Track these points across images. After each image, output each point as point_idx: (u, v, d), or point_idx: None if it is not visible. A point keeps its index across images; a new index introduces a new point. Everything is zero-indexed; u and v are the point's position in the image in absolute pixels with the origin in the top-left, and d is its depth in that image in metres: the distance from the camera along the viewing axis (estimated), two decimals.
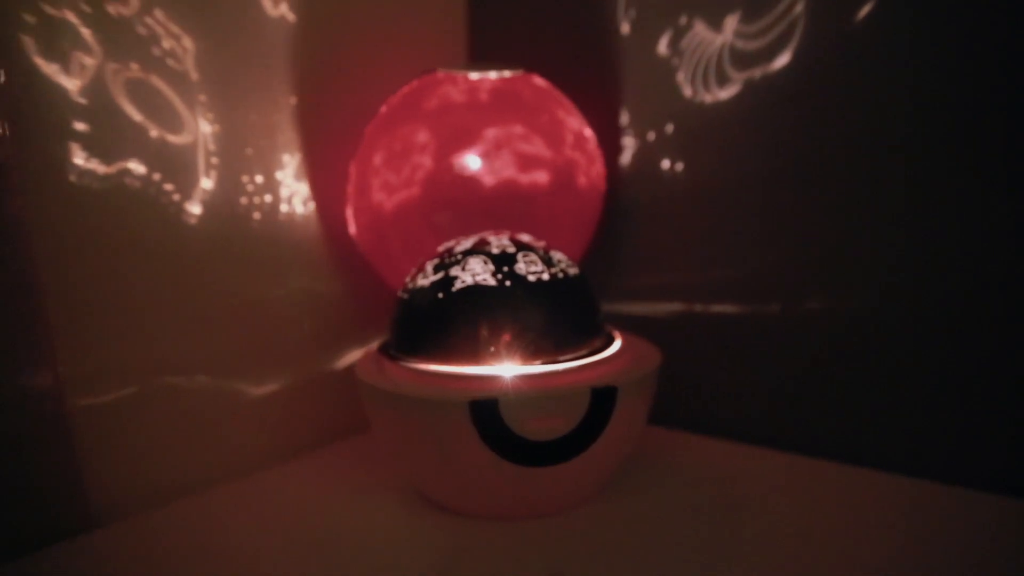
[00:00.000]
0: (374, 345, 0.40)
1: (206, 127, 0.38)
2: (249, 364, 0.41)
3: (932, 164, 0.37)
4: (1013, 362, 0.35)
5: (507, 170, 0.47)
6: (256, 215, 0.41)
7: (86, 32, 0.32)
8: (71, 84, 0.31)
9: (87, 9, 0.31)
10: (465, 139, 0.46)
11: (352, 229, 0.44)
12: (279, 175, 0.42)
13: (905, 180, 0.38)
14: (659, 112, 0.46)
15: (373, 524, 0.34)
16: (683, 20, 0.44)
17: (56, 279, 0.31)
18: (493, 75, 0.42)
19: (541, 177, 0.48)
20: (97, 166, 0.33)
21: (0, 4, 0.28)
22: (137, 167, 0.34)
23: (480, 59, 0.56)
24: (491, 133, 0.47)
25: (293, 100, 0.42)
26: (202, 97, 0.38)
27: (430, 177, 0.42)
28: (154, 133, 0.36)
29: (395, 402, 0.30)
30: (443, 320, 0.32)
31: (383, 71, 0.47)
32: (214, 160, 0.38)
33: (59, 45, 0.31)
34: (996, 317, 0.35)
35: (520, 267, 0.32)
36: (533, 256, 0.33)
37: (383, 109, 0.44)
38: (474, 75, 0.42)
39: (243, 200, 0.40)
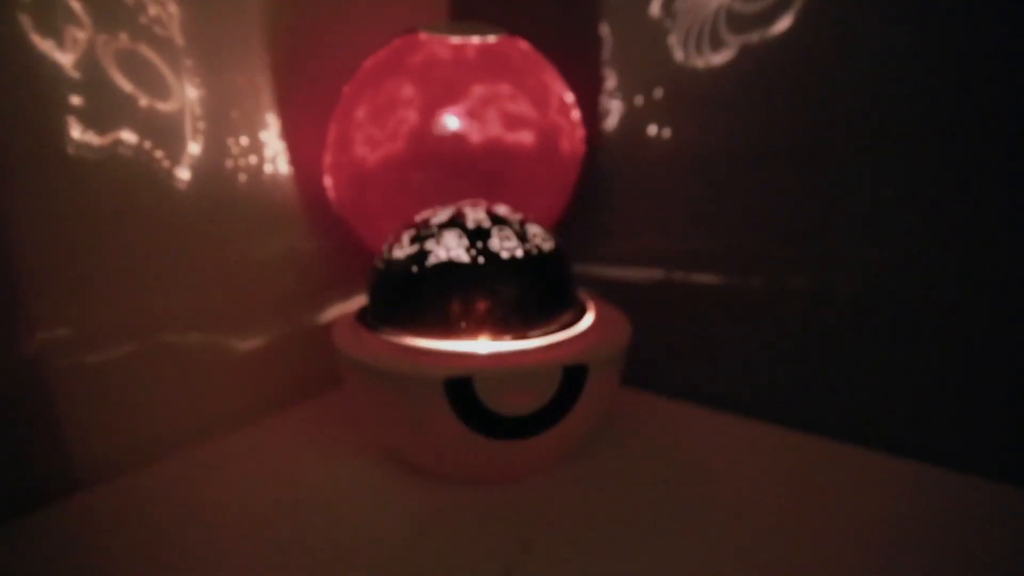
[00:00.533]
0: (352, 309, 0.44)
1: (192, 93, 0.43)
2: (236, 320, 0.46)
3: (934, 146, 0.38)
4: (993, 346, 0.38)
5: (492, 128, 0.51)
6: (242, 177, 0.45)
7: (76, 5, 0.35)
8: (65, 59, 0.35)
9: None
10: (451, 95, 0.50)
11: (330, 188, 0.47)
12: (263, 136, 0.45)
13: (905, 162, 0.39)
14: (648, 76, 0.48)
15: (348, 484, 0.39)
16: None
17: (53, 246, 0.35)
18: (476, 39, 0.44)
19: (526, 138, 0.52)
20: (92, 138, 0.36)
21: None
22: (129, 136, 0.38)
23: (461, 18, 0.58)
24: (478, 90, 0.51)
25: (275, 61, 0.45)
26: (188, 62, 0.42)
27: (415, 132, 0.45)
28: (143, 102, 0.39)
29: (371, 375, 0.34)
30: (417, 294, 0.36)
31: (363, 30, 0.50)
32: (201, 125, 0.42)
33: (53, 21, 0.34)
34: (986, 303, 0.38)
35: (494, 243, 0.36)
36: (508, 231, 0.37)
37: (365, 65, 0.46)
38: (456, 39, 0.44)
39: (229, 163, 0.44)
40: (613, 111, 0.52)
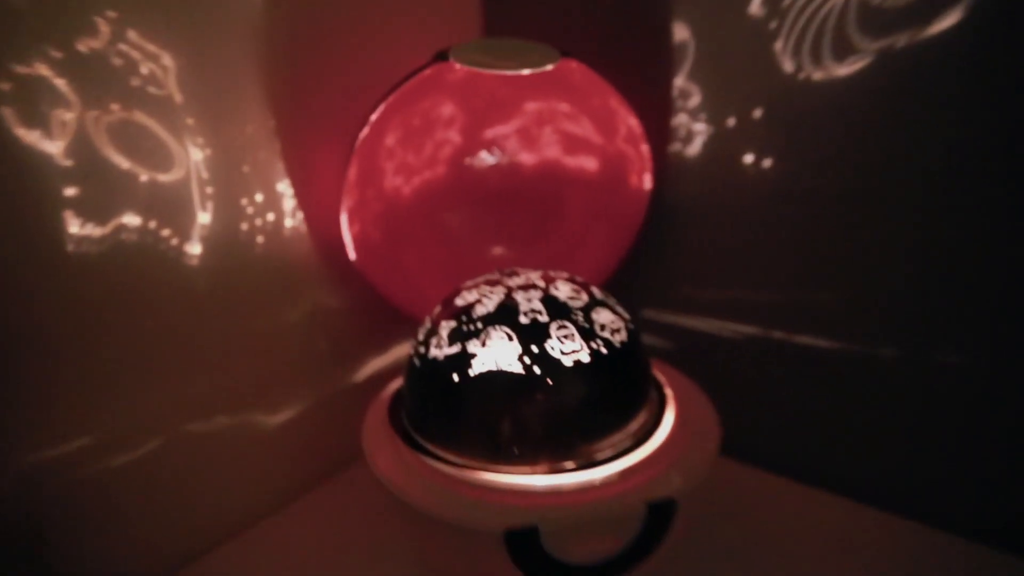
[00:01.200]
0: (383, 399, 0.40)
1: (197, 154, 0.41)
2: (264, 394, 0.45)
3: None
4: None
5: (550, 150, 0.48)
6: (259, 239, 0.42)
7: (61, 83, 0.32)
8: (55, 147, 0.33)
9: (58, 55, 0.32)
10: (500, 113, 0.47)
11: (351, 234, 0.43)
12: (280, 187, 0.43)
13: None
14: (742, 93, 0.43)
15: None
16: None
17: (59, 350, 0.35)
18: (526, 71, 0.39)
19: (589, 164, 0.49)
20: (92, 230, 0.35)
21: None
22: (132, 219, 0.36)
23: (498, 32, 0.53)
24: (532, 107, 0.48)
25: (286, 101, 0.42)
26: (189, 120, 0.40)
27: (454, 158, 0.43)
28: (144, 177, 0.36)
29: (418, 517, 0.32)
30: (458, 408, 0.33)
31: (383, 56, 0.46)
32: (209, 189, 0.39)
33: (37, 107, 0.32)
34: None
35: (552, 346, 0.32)
36: (570, 328, 0.33)
37: (391, 98, 0.41)
38: (501, 71, 0.39)
39: (244, 226, 0.41)
40: (693, 136, 0.46)
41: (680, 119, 0.46)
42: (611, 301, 0.37)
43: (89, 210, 0.35)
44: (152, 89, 0.37)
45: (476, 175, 0.42)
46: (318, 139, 0.44)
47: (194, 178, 0.39)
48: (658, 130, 0.46)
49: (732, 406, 0.38)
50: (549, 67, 0.39)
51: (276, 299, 0.45)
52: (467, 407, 0.33)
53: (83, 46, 0.34)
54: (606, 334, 0.34)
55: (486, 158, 0.42)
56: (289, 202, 0.44)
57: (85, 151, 0.35)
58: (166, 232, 0.39)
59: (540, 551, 0.30)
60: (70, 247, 0.35)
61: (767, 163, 0.43)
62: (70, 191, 0.34)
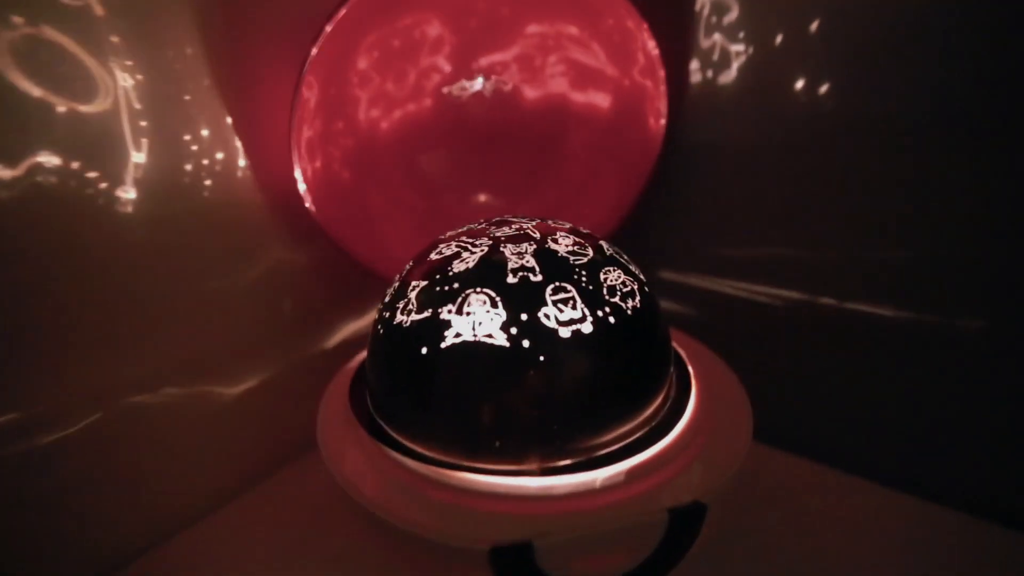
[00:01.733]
0: (347, 373, 0.35)
1: (126, 80, 0.34)
2: (222, 363, 0.40)
3: None
4: None
5: (555, 83, 0.41)
6: (207, 182, 0.36)
7: None
8: None
9: None
10: (496, 34, 0.39)
11: (310, 178, 0.37)
12: (230, 120, 0.37)
13: None
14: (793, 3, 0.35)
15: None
16: None
17: None
18: None
19: (597, 99, 0.41)
20: (2, 171, 0.30)
21: None
22: (49, 159, 0.31)
23: None
24: (534, 29, 0.40)
25: (235, 13, 0.36)
26: (113, 38, 0.34)
27: (439, 88, 0.36)
28: (62, 108, 0.30)
29: (384, 525, 0.26)
30: (428, 390, 0.27)
31: None
32: (143, 123, 0.33)
33: None
34: None
35: (547, 313, 0.26)
36: (569, 291, 0.26)
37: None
38: None
39: (188, 167, 0.36)
40: (729, 59, 0.38)
41: (712, 39, 0.37)
42: (624, 258, 0.30)
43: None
44: None
45: (462, 108, 0.35)
46: (272, 57, 0.37)
47: (124, 109, 0.33)
48: (680, 53, 0.38)
49: (764, 384, 0.31)
50: None
51: (229, 254, 0.39)
52: (438, 387, 0.26)
53: None
54: (616, 299, 0.27)
55: (475, 87, 0.35)
56: (241, 139, 0.37)
57: None
58: (92, 174, 0.33)
59: (534, 570, 0.23)
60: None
61: (823, 89, 0.34)
62: None
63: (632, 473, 0.26)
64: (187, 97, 0.36)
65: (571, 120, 0.36)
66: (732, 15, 0.37)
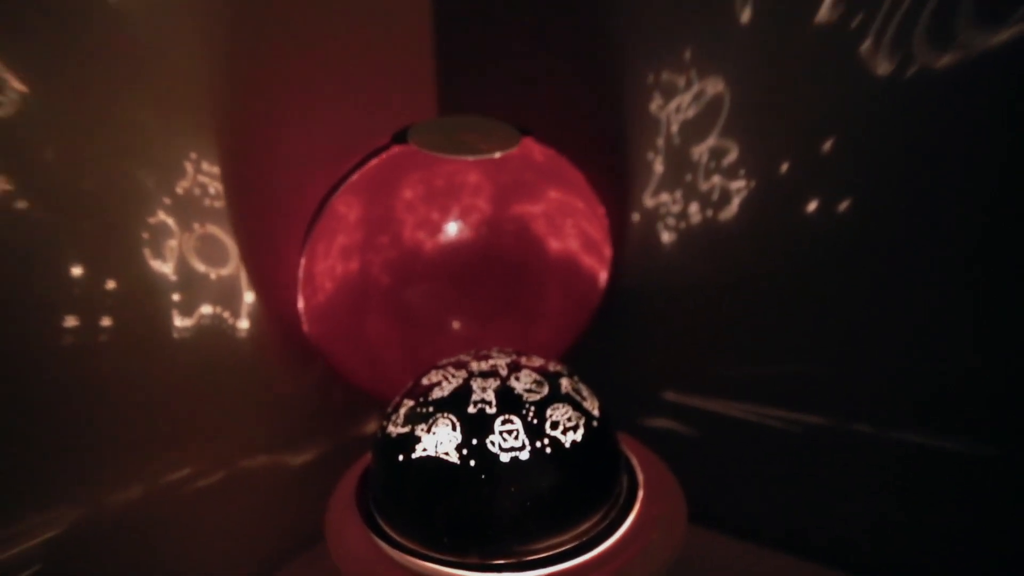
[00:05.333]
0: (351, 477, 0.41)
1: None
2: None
3: None
4: None
5: (509, 231, 0.46)
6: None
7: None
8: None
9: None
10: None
11: (306, 310, 0.43)
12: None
13: None
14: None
15: None
16: None
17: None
18: (485, 157, 0.40)
19: (547, 245, 0.46)
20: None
21: None
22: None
23: (453, 107, 0.55)
24: (491, 189, 0.45)
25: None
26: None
27: (415, 235, 0.43)
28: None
29: None
30: (400, 488, 0.34)
31: (341, 129, 0.47)
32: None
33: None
34: None
35: (493, 440, 0.33)
36: (515, 424, 0.33)
37: (354, 177, 0.42)
38: (464, 156, 0.40)
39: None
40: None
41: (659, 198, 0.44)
42: (580, 395, 0.37)
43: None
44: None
45: (434, 252, 0.43)
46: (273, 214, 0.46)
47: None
48: (631, 202, 0.47)
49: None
50: (509, 151, 0.40)
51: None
52: (406, 489, 0.34)
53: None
54: (556, 432, 0.34)
55: (444, 234, 0.43)
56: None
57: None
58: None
59: None
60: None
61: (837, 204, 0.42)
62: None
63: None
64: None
65: (523, 263, 0.44)
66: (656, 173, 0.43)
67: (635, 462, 0.40)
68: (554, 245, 0.44)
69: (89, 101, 0.36)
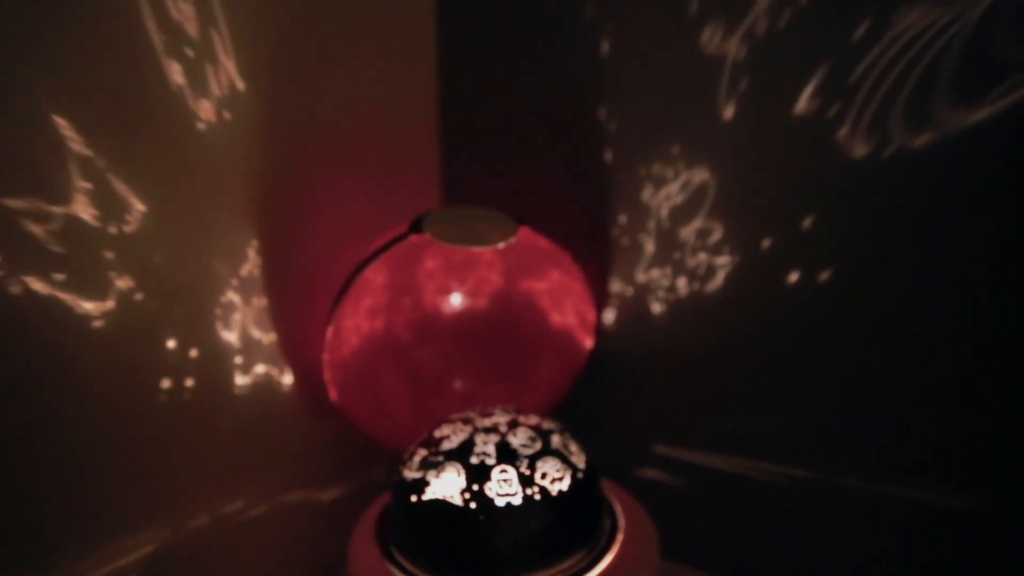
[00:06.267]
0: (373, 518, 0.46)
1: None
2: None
3: None
4: None
5: (506, 306, 0.53)
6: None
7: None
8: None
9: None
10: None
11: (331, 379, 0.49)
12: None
13: None
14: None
15: None
16: None
17: None
18: (501, 245, 0.48)
19: (536, 322, 0.53)
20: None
21: None
22: None
23: (454, 197, 0.63)
24: (493, 273, 0.53)
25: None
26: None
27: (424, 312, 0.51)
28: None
29: None
30: (411, 526, 0.41)
31: (350, 217, 0.54)
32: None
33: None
34: None
35: (491, 487, 0.39)
36: (510, 473, 0.40)
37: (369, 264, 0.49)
38: (474, 247, 0.48)
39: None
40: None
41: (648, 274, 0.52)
42: (568, 450, 0.43)
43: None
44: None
45: (440, 325, 0.51)
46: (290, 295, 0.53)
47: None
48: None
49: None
50: (509, 240, 0.48)
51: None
52: (417, 526, 0.41)
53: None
54: (545, 482, 0.41)
55: (451, 307, 0.51)
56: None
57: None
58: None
59: None
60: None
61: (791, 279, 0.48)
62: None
63: None
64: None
65: (516, 337, 0.51)
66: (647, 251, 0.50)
67: (618, 507, 0.46)
68: (545, 317, 0.51)
69: (185, 212, 0.45)
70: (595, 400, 0.58)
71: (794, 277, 0.49)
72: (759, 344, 0.51)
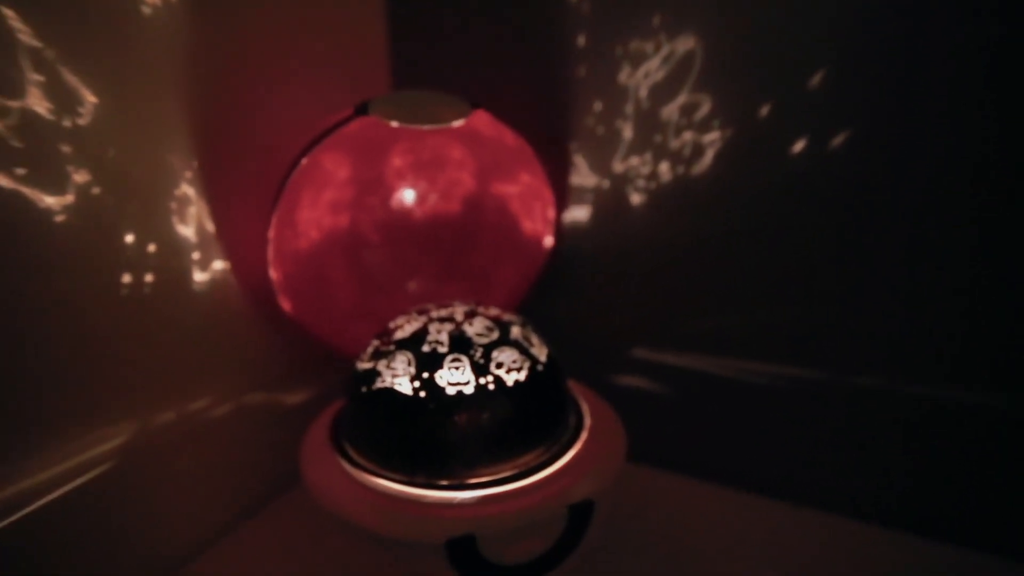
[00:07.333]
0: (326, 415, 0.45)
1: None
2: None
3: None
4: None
5: (458, 195, 0.51)
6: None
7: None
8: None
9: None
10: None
11: (279, 277, 0.48)
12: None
13: None
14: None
15: None
16: None
17: None
18: (439, 127, 0.45)
19: (493, 210, 0.51)
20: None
21: None
22: None
23: (405, 83, 0.59)
24: (444, 157, 0.50)
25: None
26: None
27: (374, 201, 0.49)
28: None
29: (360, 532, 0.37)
30: (364, 417, 0.40)
31: (299, 103, 0.52)
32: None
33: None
34: None
35: (441, 375, 0.37)
36: (462, 362, 0.38)
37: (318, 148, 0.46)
38: (426, 127, 0.45)
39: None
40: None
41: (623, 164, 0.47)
42: (529, 342, 0.41)
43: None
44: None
45: (393, 217, 0.48)
46: (234, 184, 0.51)
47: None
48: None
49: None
50: (461, 121, 0.45)
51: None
52: (366, 418, 0.40)
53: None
54: (500, 371, 0.38)
55: (402, 200, 0.48)
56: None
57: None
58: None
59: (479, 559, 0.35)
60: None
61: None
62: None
63: (489, 498, 0.37)
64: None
65: (473, 227, 0.49)
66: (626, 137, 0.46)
67: (585, 407, 0.43)
68: (494, 211, 0.48)
69: (134, 104, 0.43)
70: (569, 304, 0.54)
71: (799, 146, 0.43)
72: (756, 229, 0.46)
